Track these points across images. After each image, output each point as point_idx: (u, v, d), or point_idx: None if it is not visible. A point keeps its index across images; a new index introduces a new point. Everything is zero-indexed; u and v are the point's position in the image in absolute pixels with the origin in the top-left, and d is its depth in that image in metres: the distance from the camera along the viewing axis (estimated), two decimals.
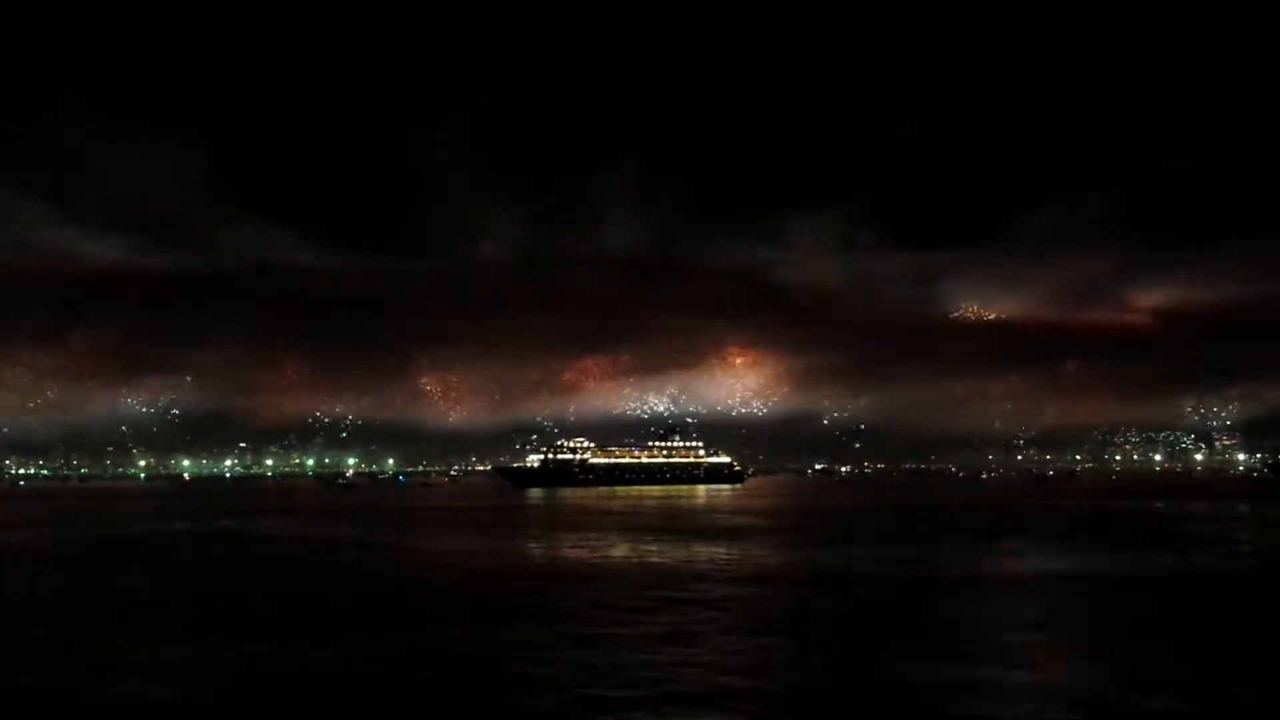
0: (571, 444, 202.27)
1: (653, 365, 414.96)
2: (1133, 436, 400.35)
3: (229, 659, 21.39)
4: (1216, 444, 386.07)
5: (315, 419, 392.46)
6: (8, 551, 52.59)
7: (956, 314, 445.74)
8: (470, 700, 17.90)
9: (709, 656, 20.92)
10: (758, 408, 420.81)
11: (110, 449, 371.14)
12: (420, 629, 24.61)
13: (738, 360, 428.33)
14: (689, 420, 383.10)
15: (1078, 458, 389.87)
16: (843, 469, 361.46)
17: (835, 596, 30.94)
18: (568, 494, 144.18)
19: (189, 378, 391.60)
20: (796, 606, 29.39)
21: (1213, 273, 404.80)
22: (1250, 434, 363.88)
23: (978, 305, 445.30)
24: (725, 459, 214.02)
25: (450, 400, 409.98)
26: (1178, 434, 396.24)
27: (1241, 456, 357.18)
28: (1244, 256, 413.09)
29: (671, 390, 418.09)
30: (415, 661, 20.92)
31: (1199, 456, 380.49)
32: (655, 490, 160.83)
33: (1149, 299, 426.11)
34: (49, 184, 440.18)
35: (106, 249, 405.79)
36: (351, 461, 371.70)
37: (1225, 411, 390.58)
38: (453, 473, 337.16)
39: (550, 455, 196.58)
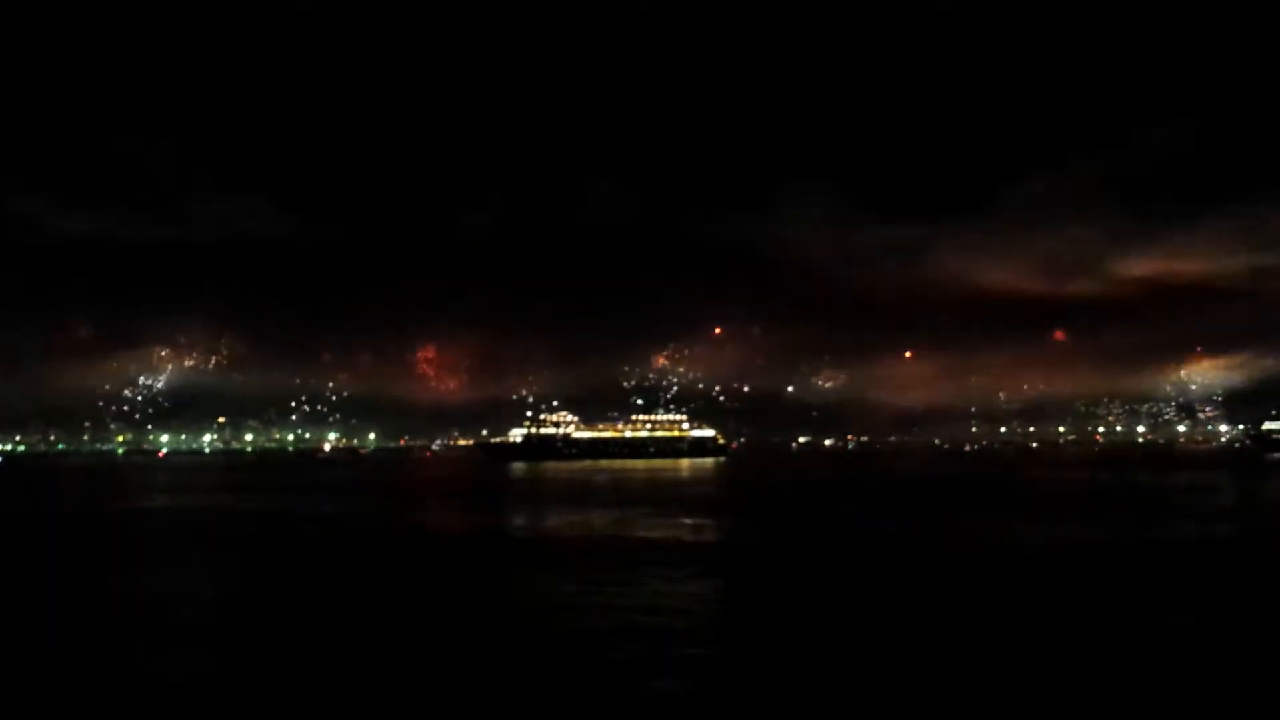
0: (555, 418, 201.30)
1: (637, 338, 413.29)
2: (1116, 408, 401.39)
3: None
4: (1199, 415, 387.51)
5: (296, 393, 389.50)
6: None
7: (941, 286, 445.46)
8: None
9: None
10: (742, 380, 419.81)
11: (88, 424, 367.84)
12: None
13: (722, 333, 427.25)
14: (673, 394, 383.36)
15: (1061, 429, 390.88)
16: (826, 441, 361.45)
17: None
18: (550, 468, 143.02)
19: (166, 351, 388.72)
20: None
21: (1196, 244, 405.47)
22: (1232, 405, 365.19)
23: (962, 277, 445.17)
24: (709, 433, 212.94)
25: (432, 374, 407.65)
26: (1160, 405, 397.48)
27: (1224, 428, 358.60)
28: (1228, 228, 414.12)
29: (655, 363, 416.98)
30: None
31: (1181, 428, 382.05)
32: (639, 464, 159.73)
33: (1133, 270, 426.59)
34: (23, 156, 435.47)
35: (81, 221, 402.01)
36: (332, 436, 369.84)
37: (1208, 383, 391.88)
38: (434, 447, 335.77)
39: (533, 430, 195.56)
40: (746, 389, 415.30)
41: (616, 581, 28.02)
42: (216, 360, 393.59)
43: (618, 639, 20.55)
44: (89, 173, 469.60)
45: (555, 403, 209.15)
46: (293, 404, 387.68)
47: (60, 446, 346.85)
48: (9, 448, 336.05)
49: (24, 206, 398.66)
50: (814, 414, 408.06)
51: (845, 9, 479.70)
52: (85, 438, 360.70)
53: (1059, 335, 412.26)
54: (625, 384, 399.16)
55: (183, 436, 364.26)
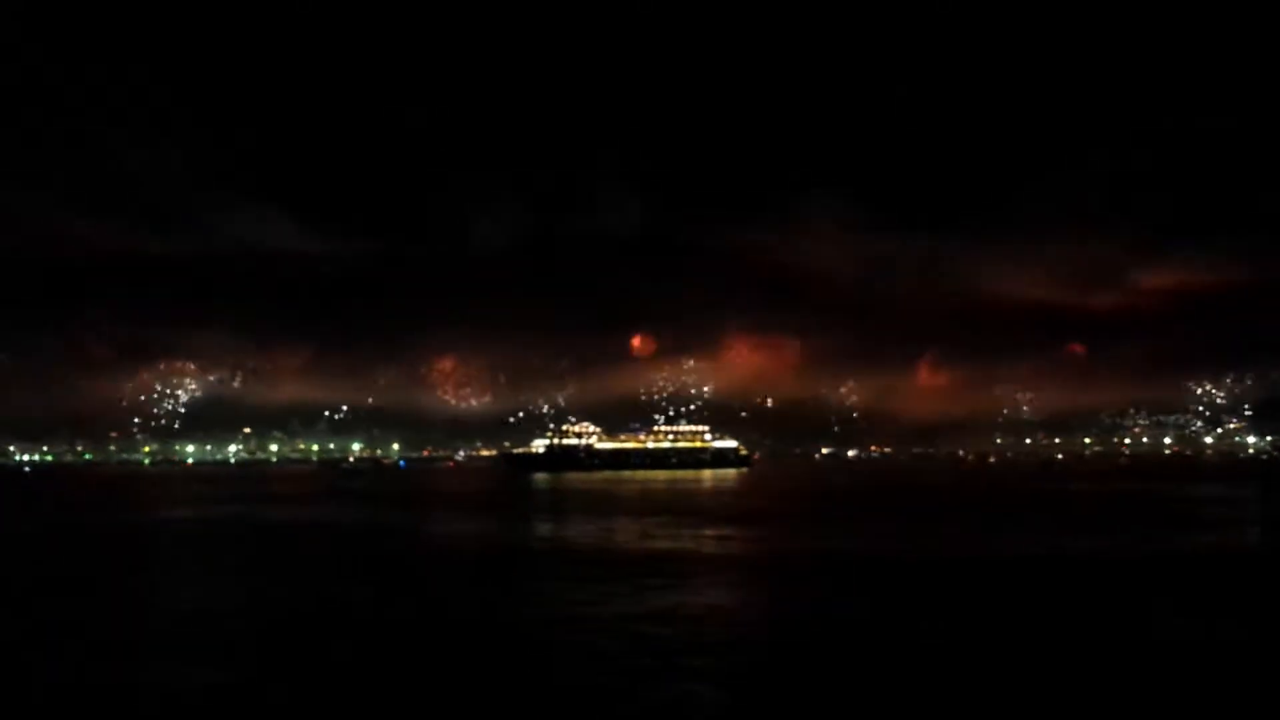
0: (577, 429, 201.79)
1: (658, 349, 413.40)
2: (1141, 419, 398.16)
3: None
4: (1226, 426, 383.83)
5: (319, 404, 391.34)
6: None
7: (962, 297, 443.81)
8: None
9: None
10: (764, 391, 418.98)
11: (114, 434, 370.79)
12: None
13: (744, 343, 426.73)
14: (695, 404, 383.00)
15: (1086, 441, 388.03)
16: (850, 453, 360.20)
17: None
18: (573, 478, 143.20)
19: (193, 363, 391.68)
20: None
21: (1221, 254, 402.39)
22: (1259, 416, 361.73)
23: (984, 287, 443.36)
24: (731, 443, 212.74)
25: (454, 385, 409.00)
26: (1186, 417, 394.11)
27: (1251, 439, 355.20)
28: (1252, 237, 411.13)
29: (677, 374, 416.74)
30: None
31: (1208, 439, 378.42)
32: (661, 475, 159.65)
33: (1158, 280, 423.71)
34: (50, 170, 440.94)
35: (109, 233, 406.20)
36: (356, 447, 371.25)
37: (1234, 394, 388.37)
38: (457, 458, 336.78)
39: (556, 441, 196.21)
40: (769, 401, 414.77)
41: (631, 591, 28.27)
42: (242, 371, 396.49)
43: (627, 647, 20.70)
44: (115, 187, 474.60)
45: (571, 416, 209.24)
46: (316, 415, 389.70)
47: (87, 457, 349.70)
48: (36, 458, 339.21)
49: (50, 220, 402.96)
50: (836, 425, 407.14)
51: (864, 17, 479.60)
52: (112, 448, 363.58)
53: (1078, 347, 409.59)
54: (648, 395, 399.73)
55: (208, 447, 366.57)
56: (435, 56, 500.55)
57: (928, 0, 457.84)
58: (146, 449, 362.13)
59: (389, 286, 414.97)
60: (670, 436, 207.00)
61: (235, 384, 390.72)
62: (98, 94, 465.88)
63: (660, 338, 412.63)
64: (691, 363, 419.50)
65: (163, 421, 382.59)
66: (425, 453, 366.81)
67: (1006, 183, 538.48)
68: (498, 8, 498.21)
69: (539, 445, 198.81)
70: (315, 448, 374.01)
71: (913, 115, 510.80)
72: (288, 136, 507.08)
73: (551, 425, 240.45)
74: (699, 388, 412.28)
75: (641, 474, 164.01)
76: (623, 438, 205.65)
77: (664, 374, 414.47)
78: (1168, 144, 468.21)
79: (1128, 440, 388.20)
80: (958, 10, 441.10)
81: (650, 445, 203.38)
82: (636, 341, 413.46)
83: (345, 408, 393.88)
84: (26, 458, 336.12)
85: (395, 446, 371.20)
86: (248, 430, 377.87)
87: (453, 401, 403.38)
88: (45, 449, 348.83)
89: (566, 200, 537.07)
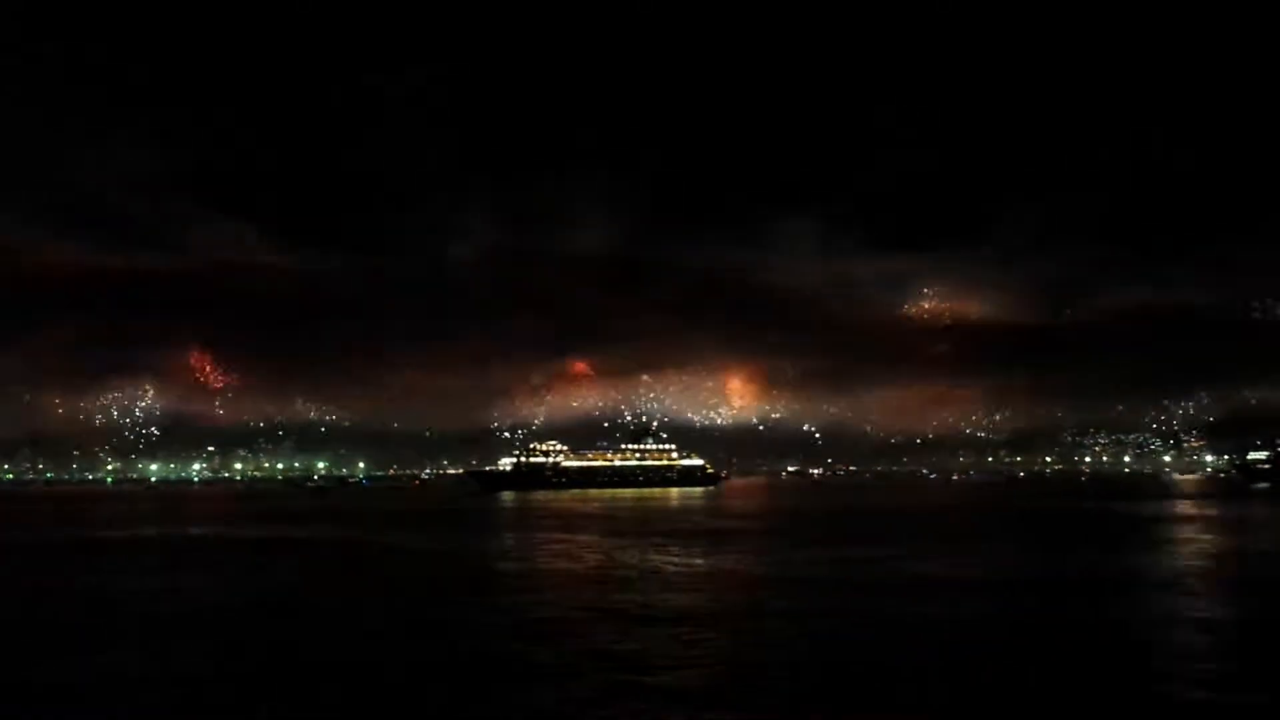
0: (544, 447, 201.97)
1: (626, 367, 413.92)
2: (1102, 438, 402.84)
3: None
4: (1185, 445, 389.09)
5: (284, 422, 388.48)
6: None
7: (929, 317, 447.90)
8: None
9: None
10: (731, 410, 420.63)
11: (76, 452, 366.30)
12: None
13: (712, 362, 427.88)
14: (662, 422, 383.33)
15: (1048, 459, 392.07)
16: (815, 471, 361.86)
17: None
18: (540, 497, 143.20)
19: (156, 380, 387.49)
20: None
21: (1181, 276, 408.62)
22: (1218, 435, 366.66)
23: (950, 308, 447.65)
24: (698, 461, 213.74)
25: (420, 403, 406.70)
26: (1146, 436, 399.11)
27: (1210, 458, 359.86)
28: (1212, 260, 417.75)
29: (645, 392, 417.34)
30: None
31: (1167, 458, 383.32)
32: (628, 493, 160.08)
33: (1118, 302, 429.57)
34: (12, 184, 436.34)
35: (70, 249, 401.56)
36: (321, 465, 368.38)
37: (1193, 413, 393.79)
38: (424, 476, 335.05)
39: (523, 458, 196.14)
40: (733, 418, 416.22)
41: (587, 609, 29.00)
42: (206, 389, 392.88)
43: (587, 668, 21.34)
44: (81, 200, 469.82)
45: (534, 427, 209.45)
46: (281, 433, 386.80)
47: (48, 476, 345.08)
48: None
49: (13, 234, 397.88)
50: (802, 443, 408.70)
51: (839, 40, 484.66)
52: (74, 466, 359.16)
53: (1045, 366, 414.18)
54: (615, 411, 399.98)
55: (171, 466, 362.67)
56: (407, 72, 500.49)
57: (903, 25, 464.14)
58: (109, 467, 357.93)
59: (357, 302, 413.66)
60: (637, 454, 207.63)
61: (200, 401, 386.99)
62: (63, 106, 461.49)
63: (630, 355, 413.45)
64: (660, 380, 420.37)
65: (126, 440, 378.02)
66: (391, 470, 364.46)
67: (975, 206, 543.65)
68: (471, 23, 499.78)
69: (506, 463, 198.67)
70: (280, 466, 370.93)
71: (883, 138, 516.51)
72: (257, 150, 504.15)
73: (519, 443, 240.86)
74: (666, 406, 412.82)
75: (609, 492, 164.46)
76: (590, 455, 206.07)
77: (631, 392, 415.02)
78: (1133, 171, 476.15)
79: (1088, 459, 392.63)
80: (932, 35, 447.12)
81: (617, 463, 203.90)
82: (580, 367, 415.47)
83: (319, 426, 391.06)
84: None
85: (361, 465, 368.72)
86: (211, 449, 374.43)
87: (420, 419, 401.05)
88: (5, 467, 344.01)
89: (537, 218, 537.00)
